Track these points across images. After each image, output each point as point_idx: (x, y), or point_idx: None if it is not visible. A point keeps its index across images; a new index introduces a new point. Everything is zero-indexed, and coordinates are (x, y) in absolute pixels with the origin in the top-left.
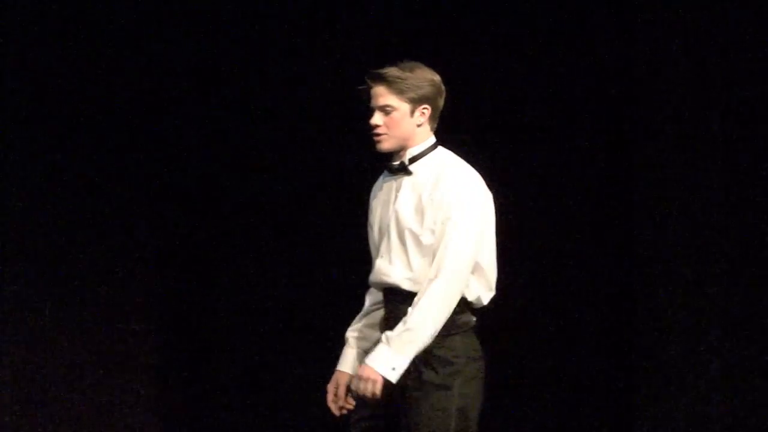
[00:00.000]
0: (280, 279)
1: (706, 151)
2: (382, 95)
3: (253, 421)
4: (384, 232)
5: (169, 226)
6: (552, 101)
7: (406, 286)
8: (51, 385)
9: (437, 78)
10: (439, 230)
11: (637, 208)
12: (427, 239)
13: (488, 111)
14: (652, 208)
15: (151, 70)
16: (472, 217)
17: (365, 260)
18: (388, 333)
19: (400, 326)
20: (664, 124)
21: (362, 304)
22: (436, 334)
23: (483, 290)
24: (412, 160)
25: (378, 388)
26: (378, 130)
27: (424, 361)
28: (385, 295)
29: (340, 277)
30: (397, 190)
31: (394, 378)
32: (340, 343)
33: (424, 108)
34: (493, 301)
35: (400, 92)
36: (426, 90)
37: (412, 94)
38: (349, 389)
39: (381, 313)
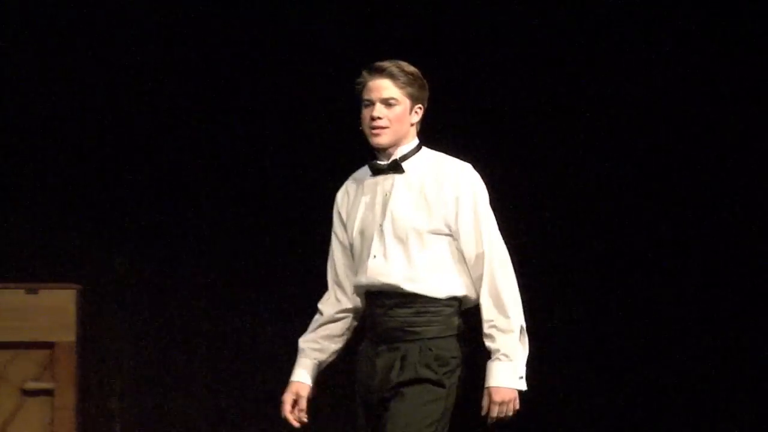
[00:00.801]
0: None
1: None
2: (387, 88)
3: None
4: (372, 232)
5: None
6: None
7: (406, 286)
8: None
9: (425, 81)
10: (467, 228)
11: None
12: (432, 237)
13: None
14: None
15: None
16: (489, 206)
17: None
18: (501, 348)
19: (501, 338)
20: None
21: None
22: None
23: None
24: (402, 158)
25: (518, 403)
26: (380, 123)
27: (420, 360)
28: (372, 299)
29: None
30: (388, 190)
31: (525, 385)
32: None
33: (418, 107)
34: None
35: (403, 87)
36: (423, 90)
37: (413, 91)
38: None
39: (341, 324)
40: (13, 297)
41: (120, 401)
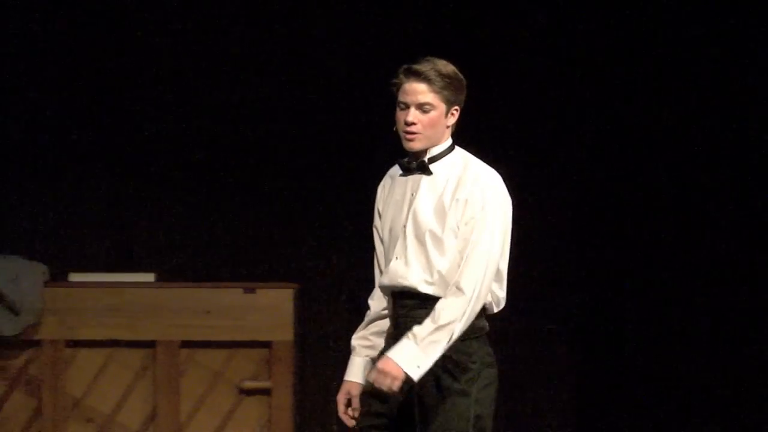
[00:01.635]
0: (703, 282)
1: None
2: (423, 93)
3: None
4: (398, 233)
5: (587, 222)
6: None
7: (423, 288)
8: None
9: (464, 79)
10: (463, 230)
11: None
12: (449, 240)
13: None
14: None
15: None
16: (498, 219)
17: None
18: (417, 330)
19: (429, 324)
20: None
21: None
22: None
23: (501, 295)
24: (432, 159)
25: (397, 385)
26: (414, 129)
27: (442, 366)
28: (395, 299)
29: None
30: (414, 191)
31: (416, 376)
32: None
33: (455, 109)
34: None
35: (440, 92)
36: (460, 91)
37: (449, 95)
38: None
39: (388, 320)
40: (232, 296)
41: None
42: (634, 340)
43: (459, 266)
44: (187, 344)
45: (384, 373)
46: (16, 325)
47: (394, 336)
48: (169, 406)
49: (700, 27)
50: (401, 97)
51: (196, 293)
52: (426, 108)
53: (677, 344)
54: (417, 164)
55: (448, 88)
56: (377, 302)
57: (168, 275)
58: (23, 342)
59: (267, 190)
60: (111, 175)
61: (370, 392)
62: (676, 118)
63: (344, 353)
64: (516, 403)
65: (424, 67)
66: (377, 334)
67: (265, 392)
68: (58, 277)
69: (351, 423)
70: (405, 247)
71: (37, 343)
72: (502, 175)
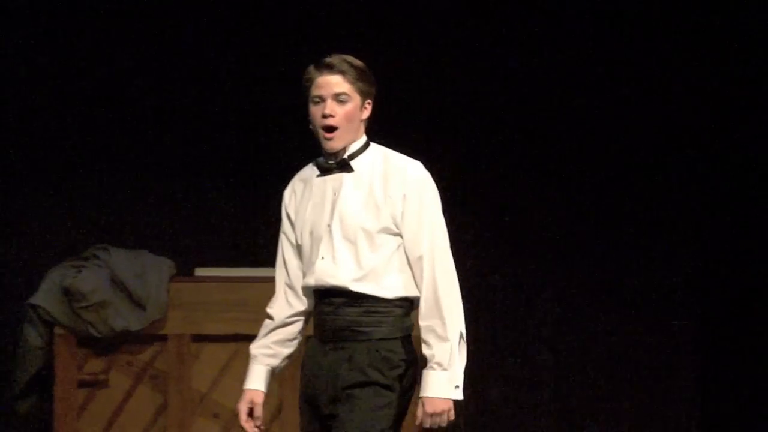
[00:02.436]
0: None
1: None
2: (338, 84)
3: None
4: (321, 233)
5: (708, 220)
6: None
7: (354, 287)
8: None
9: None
10: (411, 226)
11: None
12: (381, 237)
13: None
14: None
15: None
16: (439, 207)
17: None
18: (435, 357)
19: (438, 344)
20: None
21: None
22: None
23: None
24: (351, 156)
25: (452, 414)
26: (332, 121)
27: (368, 362)
28: (320, 298)
29: None
30: (337, 190)
31: (461, 395)
32: None
33: (368, 102)
34: None
35: (354, 82)
36: (372, 84)
37: (363, 87)
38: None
39: (293, 328)
40: None
41: None
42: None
43: (399, 268)
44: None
45: (437, 414)
46: (143, 320)
47: (317, 334)
48: (294, 400)
49: None
50: (315, 92)
51: None
52: (342, 98)
53: None
54: (337, 163)
55: (361, 80)
56: (279, 310)
57: None
58: (149, 337)
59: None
60: (239, 172)
61: None
62: None
63: None
64: (639, 401)
65: (335, 60)
66: (279, 342)
67: None
68: (184, 272)
69: None
70: (332, 247)
71: (163, 338)
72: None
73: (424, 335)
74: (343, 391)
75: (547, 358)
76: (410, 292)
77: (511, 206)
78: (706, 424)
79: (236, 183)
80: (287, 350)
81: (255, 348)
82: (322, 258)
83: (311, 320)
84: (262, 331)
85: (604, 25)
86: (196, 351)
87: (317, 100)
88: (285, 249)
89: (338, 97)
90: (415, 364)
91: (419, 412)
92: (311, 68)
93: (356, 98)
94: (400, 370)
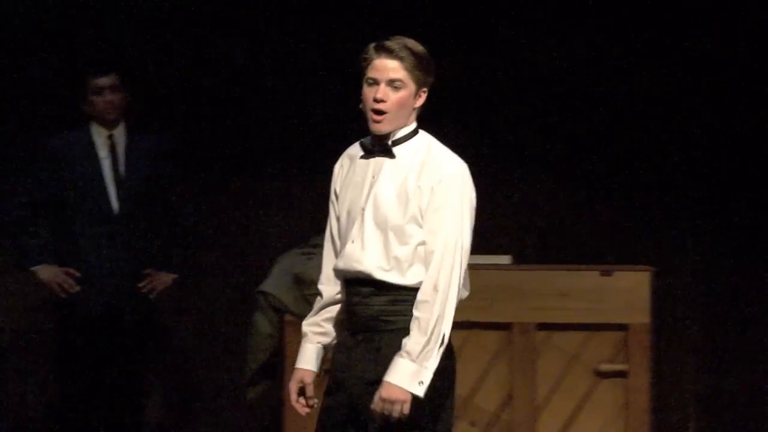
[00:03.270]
0: None
1: None
2: (394, 69)
3: None
4: (356, 215)
5: None
6: None
7: (379, 275)
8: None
9: (433, 62)
10: (430, 221)
11: None
12: (410, 228)
13: None
14: None
15: None
16: (466, 207)
17: None
18: (408, 346)
19: (416, 336)
20: None
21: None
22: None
23: (466, 285)
24: (396, 142)
25: (407, 408)
26: (382, 106)
27: (395, 354)
28: (348, 286)
29: None
30: (375, 173)
31: (422, 392)
32: None
33: (423, 91)
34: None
35: (411, 70)
36: (430, 73)
37: (420, 75)
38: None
39: (340, 306)
40: (588, 279)
41: (694, 385)
42: None
43: (423, 258)
44: (542, 326)
45: (390, 400)
46: None
47: (348, 326)
48: (526, 388)
49: None
50: (371, 73)
51: (552, 276)
52: (397, 84)
53: None
54: (381, 146)
55: (419, 68)
56: (328, 287)
57: (524, 258)
58: None
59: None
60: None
61: (377, 419)
62: None
63: (697, 338)
64: None
65: (395, 44)
66: (329, 320)
67: (622, 375)
68: None
69: (304, 411)
70: (362, 231)
71: None
72: None
73: (411, 323)
74: (373, 383)
75: None
76: None
77: None
78: None
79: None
80: (339, 327)
81: (306, 326)
82: (352, 242)
83: None
84: (314, 308)
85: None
86: None
87: (371, 81)
88: (332, 224)
89: (393, 83)
90: (451, 355)
91: (377, 395)
92: (371, 48)
93: (411, 86)
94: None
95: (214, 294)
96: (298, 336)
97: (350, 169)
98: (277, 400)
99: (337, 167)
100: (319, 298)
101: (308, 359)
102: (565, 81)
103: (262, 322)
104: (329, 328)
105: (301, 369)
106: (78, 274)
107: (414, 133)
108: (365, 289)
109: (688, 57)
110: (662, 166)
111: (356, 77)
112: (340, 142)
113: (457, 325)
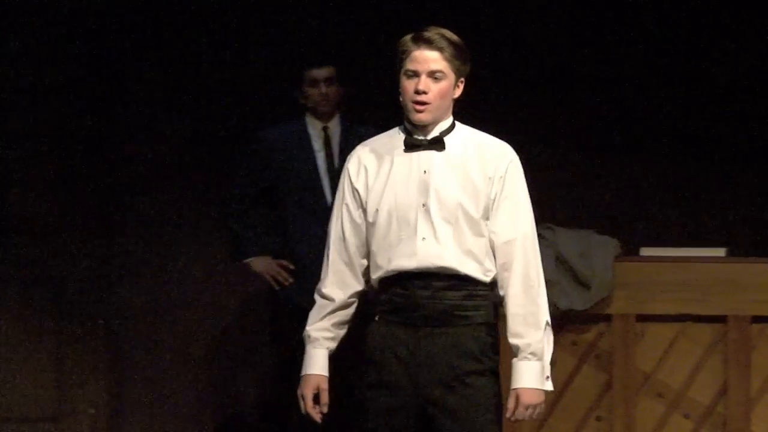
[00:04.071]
0: None
1: None
2: (435, 60)
3: None
4: (411, 212)
5: None
6: None
7: (463, 269)
8: None
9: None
10: (503, 208)
11: None
12: (483, 220)
13: None
14: None
15: None
16: (527, 194)
17: None
18: (531, 347)
19: (531, 333)
20: None
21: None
22: None
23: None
24: (442, 134)
25: (543, 406)
26: (424, 98)
27: (480, 349)
28: (413, 281)
29: None
30: (428, 168)
31: (551, 386)
32: None
33: (461, 81)
34: None
35: (451, 60)
36: (467, 63)
37: (459, 65)
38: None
39: (351, 309)
40: None
41: None
42: None
43: (490, 250)
44: (758, 319)
45: (532, 405)
46: (587, 299)
47: (405, 318)
48: (740, 381)
49: None
50: (410, 65)
51: None
52: (438, 75)
53: None
54: (429, 139)
55: (458, 58)
56: (337, 290)
57: (740, 250)
58: (594, 316)
59: None
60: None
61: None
62: None
63: None
64: None
65: (434, 35)
66: (338, 325)
67: None
68: (629, 251)
69: (319, 418)
70: (432, 227)
71: (608, 318)
72: None
73: (516, 324)
74: (455, 379)
75: None
76: (496, 276)
77: None
78: None
79: (682, 161)
80: (343, 332)
81: (315, 331)
82: (423, 239)
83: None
84: (320, 312)
85: None
86: (640, 331)
87: (410, 73)
88: (346, 226)
89: (434, 74)
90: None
91: (511, 404)
92: (408, 40)
93: (451, 76)
94: (498, 356)
95: None
96: None
97: (381, 166)
98: None
99: (353, 166)
100: (325, 301)
101: (321, 365)
102: None
103: None
104: (337, 332)
105: (315, 375)
106: (292, 267)
107: (453, 124)
108: (438, 284)
109: None
110: None
111: None
112: None
113: (670, 318)
